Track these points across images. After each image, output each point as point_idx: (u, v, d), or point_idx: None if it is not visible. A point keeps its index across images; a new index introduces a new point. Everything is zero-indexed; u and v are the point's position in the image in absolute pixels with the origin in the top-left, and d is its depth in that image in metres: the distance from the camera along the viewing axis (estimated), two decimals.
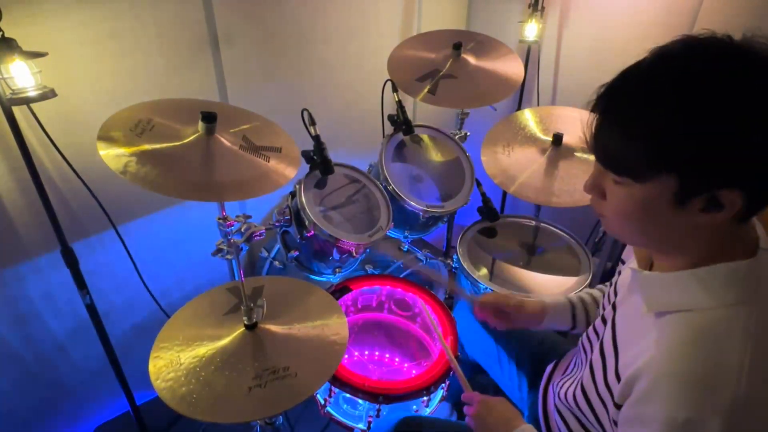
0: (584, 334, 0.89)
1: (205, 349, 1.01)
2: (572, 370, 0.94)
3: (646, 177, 0.58)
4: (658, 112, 0.55)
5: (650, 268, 0.72)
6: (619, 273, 0.85)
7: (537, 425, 0.97)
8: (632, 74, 0.59)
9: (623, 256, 0.89)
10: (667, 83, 0.55)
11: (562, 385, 0.90)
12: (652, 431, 0.57)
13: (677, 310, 0.61)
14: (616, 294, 0.81)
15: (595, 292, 1.09)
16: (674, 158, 0.55)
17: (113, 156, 0.85)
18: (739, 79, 0.52)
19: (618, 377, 0.66)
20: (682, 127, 0.54)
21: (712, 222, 0.57)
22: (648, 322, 0.64)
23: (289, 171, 1.00)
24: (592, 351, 0.81)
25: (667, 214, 0.59)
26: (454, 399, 1.59)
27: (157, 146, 0.89)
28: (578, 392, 0.79)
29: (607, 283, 1.02)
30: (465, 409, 0.96)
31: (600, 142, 0.62)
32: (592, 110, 0.61)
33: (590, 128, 0.62)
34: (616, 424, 0.67)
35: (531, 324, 1.07)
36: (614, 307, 0.79)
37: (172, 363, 0.98)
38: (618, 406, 0.66)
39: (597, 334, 0.83)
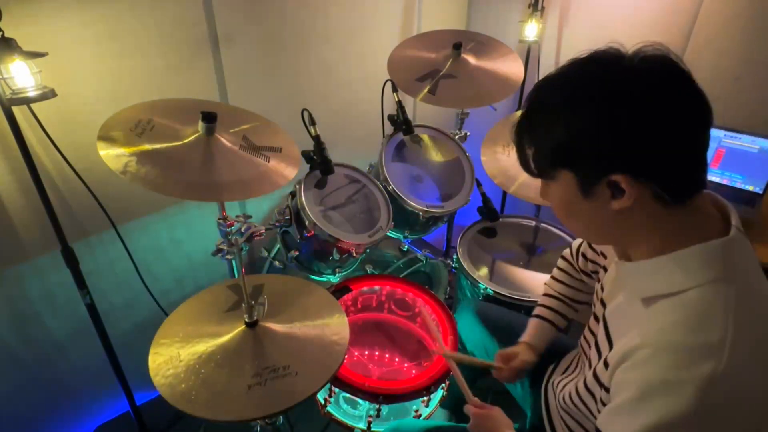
0: (582, 336, 0.90)
1: (205, 346, 1.01)
2: (573, 370, 0.94)
3: (551, 175, 0.67)
4: (540, 117, 0.66)
5: (629, 259, 0.74)
6: (604, 268, 0.87)
7: (540, 424, 0.98)
8: (528, 99, 0.69)
9: (603, 251, 0.91)
10: (544, 98, 0.66)
11: (562, 385, 0.90)
12: (629, 393, 0.60)
13: (662, 295, 0.63)
14: (602, 290, 0.83)
15: (552, 284, 1.13)
16: (561, 155, 0.64)
17: (113, 156, 0.85)
18: (603, 83, 0.60)
19: (606, 365, 0.69)
20: (560, 129, 0.62)
21: (625, 205, 0.62)
22: (637, 310, 0.67)
23: (289, 171, 1.00)
24: (590, 348, 0.82)
25: (585, 206, 0.66)
26: (450, 404, 1.59)
27: (157, 146, 0.89)
28: (582, 390, 0.79)
29: (569, 252, 1.09)
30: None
31: (519, 157, 0.71)
32: (512, 136, 0.71)
33: (515, 149, 0.72)
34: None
35: (536, 358, 1.08)
36: (603, 304, 0.81)
37: (171, 359, 0.98)
38: (607, 389, 0.68)
39: (592, 332, 0.84)
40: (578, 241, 1.07)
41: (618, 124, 0.58)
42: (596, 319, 0.82)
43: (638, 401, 0.59)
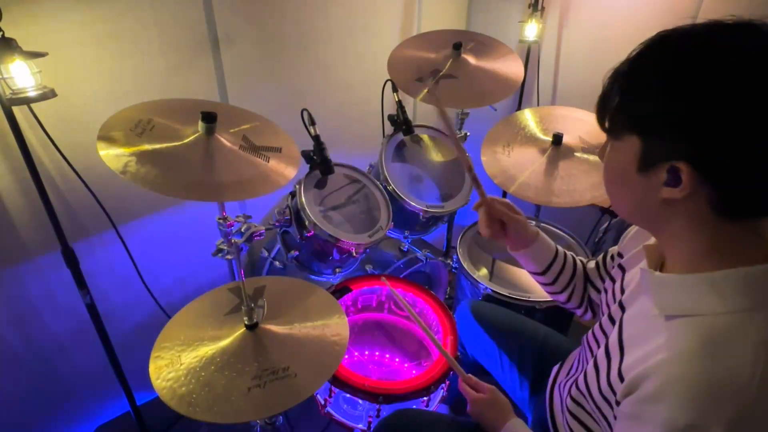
0: (590, 332, 0.88)
1: (205, 349, 1.01)
2: (576, 370, 0.94)
3: (619, 135, 0.64)
4: (636, 75, 0.61)
5: (661, 269, 0.71)
6: (621, 268, 0.84)
7: (544, 427, 0.97)
8: (635, 49, 0.63)
9: (621, 249, 0.89)
10: (650, 56, 0.60)
11: (568, 386, 0.89)
12: (651, 431, 0.57)
13: (688, 315, 0.60)
14: (622, 292, 0.80)
15: (586, 263, 1.08)
16: (637, 119, 0.60)
17: (113, 156, 0.85)
18: (701, 63, 0.55)
19: (621, 377, 0.66)
20: (651, 93, 0.58)
21: (674, 196, 0.58)
22: (657, 323, 0.64)
23: (289, 171, 1.00)
24: (598, 348, 0.80)
25: (634, 180, 0.63)
26: (451, 401, 1.59)
27: (157, 146, 0.89)
28: (584, 391, 0.78)
29: (596, 259, 1.04)
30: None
31: (599, 103, 0.66)
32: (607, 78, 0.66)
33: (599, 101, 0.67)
34: None
35: (513, 244, 1.04)
36: (621, 307, 0.78)
37: (172, 362, 0.98)
38: (619, 404, 0.65)
39: (604, 333, 0.82)
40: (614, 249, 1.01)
41: (713, 107, 0.53)
42: (611, 320, 0.80)
43: None
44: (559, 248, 1.07)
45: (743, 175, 0.55)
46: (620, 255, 0.88)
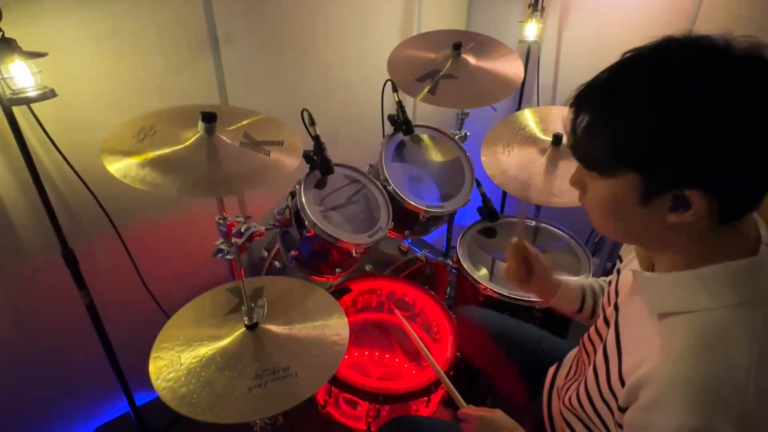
0: (586, 335, 0.88)
1: (205, 350, 1.01)
2: (575, 373, 0.93)
3: (611, 173, 0.60)
4: (621, 110, 0.57)
5: (652, 269, 0.71)
6: (618, 271, 0.85)
7: (542, 429, 0.97)
8: (606, 73, 0.60)
9: (621, 253, 0.89)
10: (632, 83, 0.56)
11: (567, 389, 0.89)
12: None
13: (680, 312, 0.60)
14: (617, 294, 0.80)
15: (603, 282, 1.07)
16: (635, 156, 0.57)
17: (121, 168, 0.85)
18: (695, 84, 0.52)
19: (622, 381, 0.66)
20: (642, 127, 0.55)
21: (683, 221, 0.57)
22: (651, 324, 0.64)
23: (291, 161, 0.99)
24: (595, 353, 0.80)
25: (636, 212, 0.60)
26: (451, 403, 1.58)
27: (161, 152, 0.90)
28: (582, 396, 0.78)
29: (609, 277, 1.02)
30: (462, 425, 0.92)
31: (573, 139, 0.63)
32: (571, 105, 0.62)
33: (569, 123, 0.63)
34: (620, 426, 0.66)
35: (543, 293, 1.02)
36: (616, 309, 0.78)
37: (172, 363, 0.98)
38: (622, 410, 0.65)
39: (600, 335, 0.82)
40: None
41: (716, 130, 0.51)
42: (606, 323, 0.80)
43: None
44: (584, 284, 1.05)
45: (746, 185, 0.55)
46: (620, 259, 0.88)
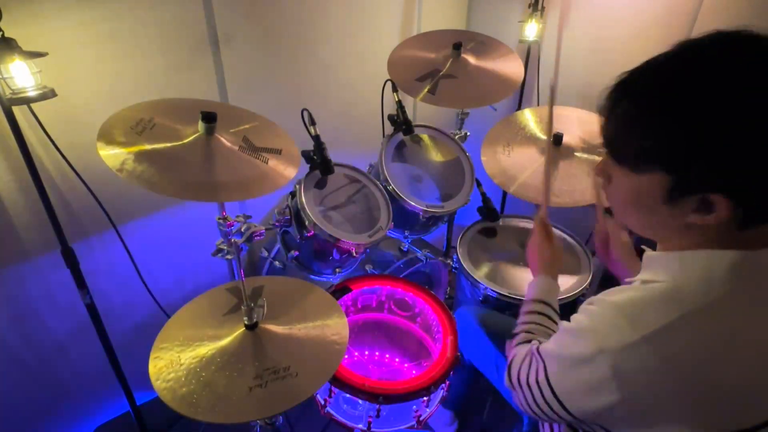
0: None
1: (205, 350, 1.01)
2: None
3: (641, 169, 0.61)
4: (658, 111, 0.57)
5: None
6: None
7: (537, 429, 0.97)
8: (648, 67, 0.60)
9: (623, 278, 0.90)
10: (671, 86, 0.56)
11: None
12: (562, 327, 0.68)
13: (655, 281, 0.63)
14: None
15: None
16: (669, 157, 0.57)
17: (112, 155, 0.84)
18: (734, 92, 0.52)
19: None
20: (683, 131, 0.55)
21: (704, 222, 0.58)
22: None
23: (288, 171, 1.00)
24: None
25: (660, 209, 0.61)
26: (455, 406, 1.59)
27: (157, 146, 0.89)
28: None
29: None
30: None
31: (607, 129, 0.64)
32: (608, 97, 0.63)
33: (604, 109, 0.63)
34: (623, 422, 0.67)
35: (625, 270, 1.03)
36: None
37: (172, 363, 0.98)
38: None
39: None
40: None
41: (745, 146, 0.51)
42: None
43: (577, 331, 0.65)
44: None
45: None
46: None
